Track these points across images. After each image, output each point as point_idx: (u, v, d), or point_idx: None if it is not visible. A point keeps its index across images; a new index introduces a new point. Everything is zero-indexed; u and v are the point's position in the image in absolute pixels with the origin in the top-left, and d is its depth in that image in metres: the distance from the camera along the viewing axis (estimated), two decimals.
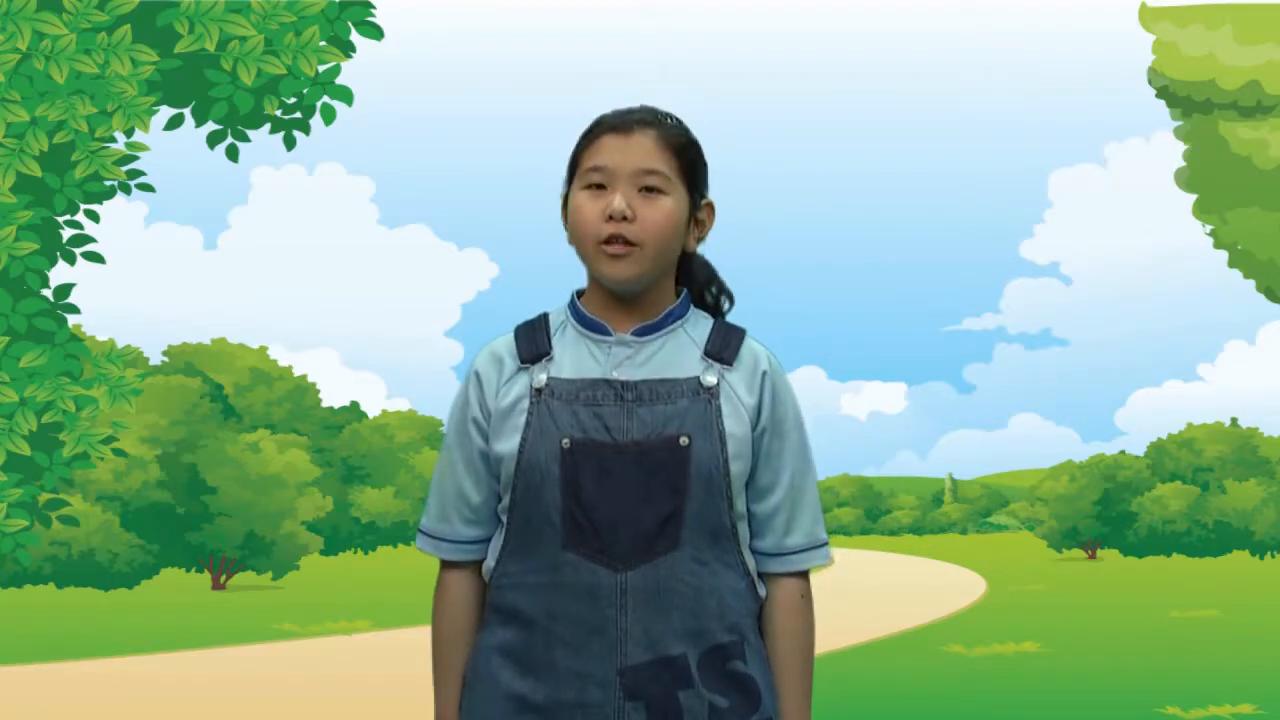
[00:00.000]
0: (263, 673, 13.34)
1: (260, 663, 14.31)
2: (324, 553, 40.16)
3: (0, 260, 10.48)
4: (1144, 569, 39.42)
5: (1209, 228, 17.21)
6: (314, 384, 44.11)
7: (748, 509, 2.38)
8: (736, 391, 2.36)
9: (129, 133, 10.51)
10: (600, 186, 2.33)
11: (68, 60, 10.18)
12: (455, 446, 2.42)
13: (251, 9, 10.34)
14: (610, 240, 2.31)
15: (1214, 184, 17.06)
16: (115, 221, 12.16)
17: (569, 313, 2.42)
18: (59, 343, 10.75)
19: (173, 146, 10.98)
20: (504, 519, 2.37)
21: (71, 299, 10.91)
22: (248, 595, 27.29)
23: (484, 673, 2.36)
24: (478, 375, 2.40)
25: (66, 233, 10.81)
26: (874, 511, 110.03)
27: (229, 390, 37.22)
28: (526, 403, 2.34)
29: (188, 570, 31.76)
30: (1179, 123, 17.27)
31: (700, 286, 2.48)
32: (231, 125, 10.66)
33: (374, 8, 10.56)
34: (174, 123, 10.64)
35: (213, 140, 10.72)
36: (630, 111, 2.38)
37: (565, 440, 2.30)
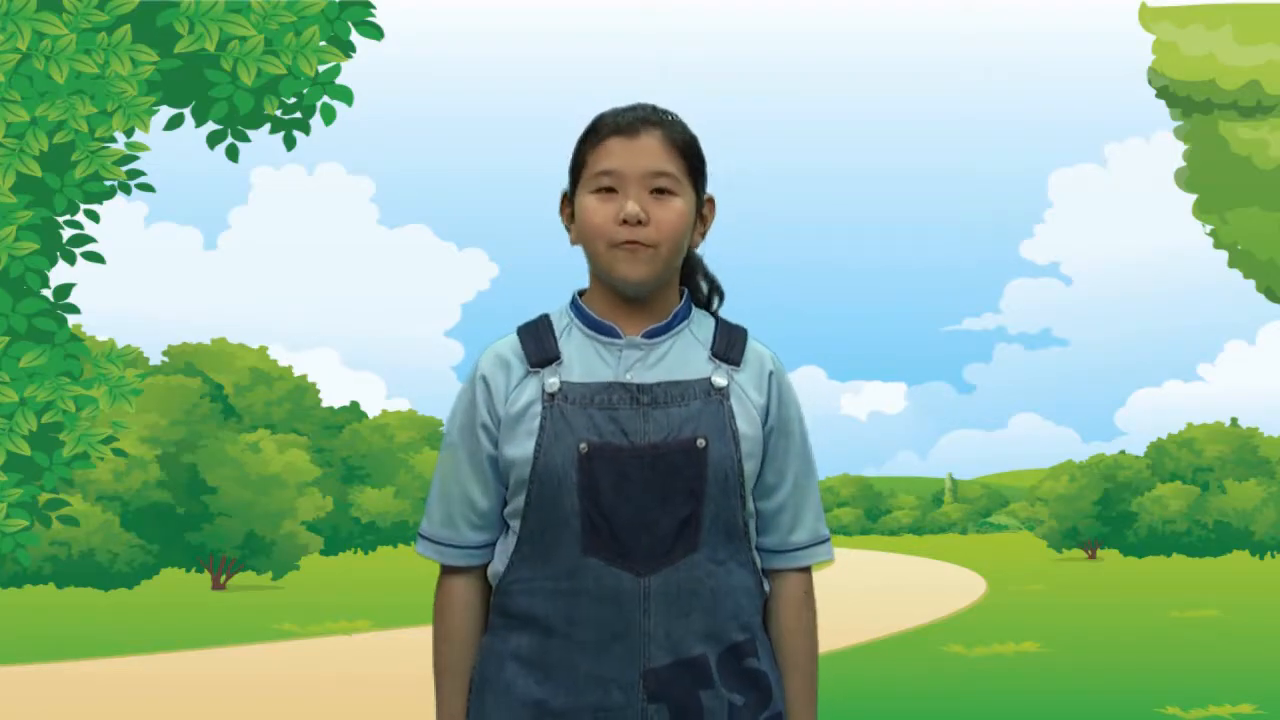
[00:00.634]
0: (263, 673, 13.34)
1: (260, 663, 14.30)
2: (324, 553, 40.18)
3: (0, 260, 10.48)
4: (1144, 569, 39.42)
5: (1209, 228, 17.21)
6: (314, 384, 44.11)
7: (755, 506, 2.39)
8: (746, 392, 2.37)
9: (129, 133, 10.51)
10: (610, 190, 2.32)
11: (68, 60, 10.18)
12: (462, 450, 2.39)
13: (251, 9, 10.33)
14: (625, 244, 2.30)
15: (1214, 184, 17.05)
16: (115, 221, 12.18)
17: (573, 314, 2.40)
18: (59, 343, 10.75)
19: (173, 146, 10.99)
20: (513, 523, 2.35)
21: (71, 299, 10.91)
22: (248, 595, 27.28)
23: (497, 679, 2.34)
24: (485, 380, 2.37)
25: (66, 233, 10.81)
26: (874, 511, 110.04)
27: (229, 390, 37.22)
28: (539, 407, 2.32)
29: (188, 570, 31.76)
30: (1179, 123, 17.26)
31: (696, 283, 2.49)
32: (231, 125, 10.66)
33: (374, 8, 10.56)
34: (174, 123, 10.64)
35: (213, 140, 10.72)
36: (632, 111, 2.36)
37: (582, 445, 2.28)
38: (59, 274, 11.50)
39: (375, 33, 10.58)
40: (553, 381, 2.33)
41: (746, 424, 2.34)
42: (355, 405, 47.68)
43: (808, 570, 2.44)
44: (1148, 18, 17.19)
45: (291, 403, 42.60)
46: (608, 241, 2.31)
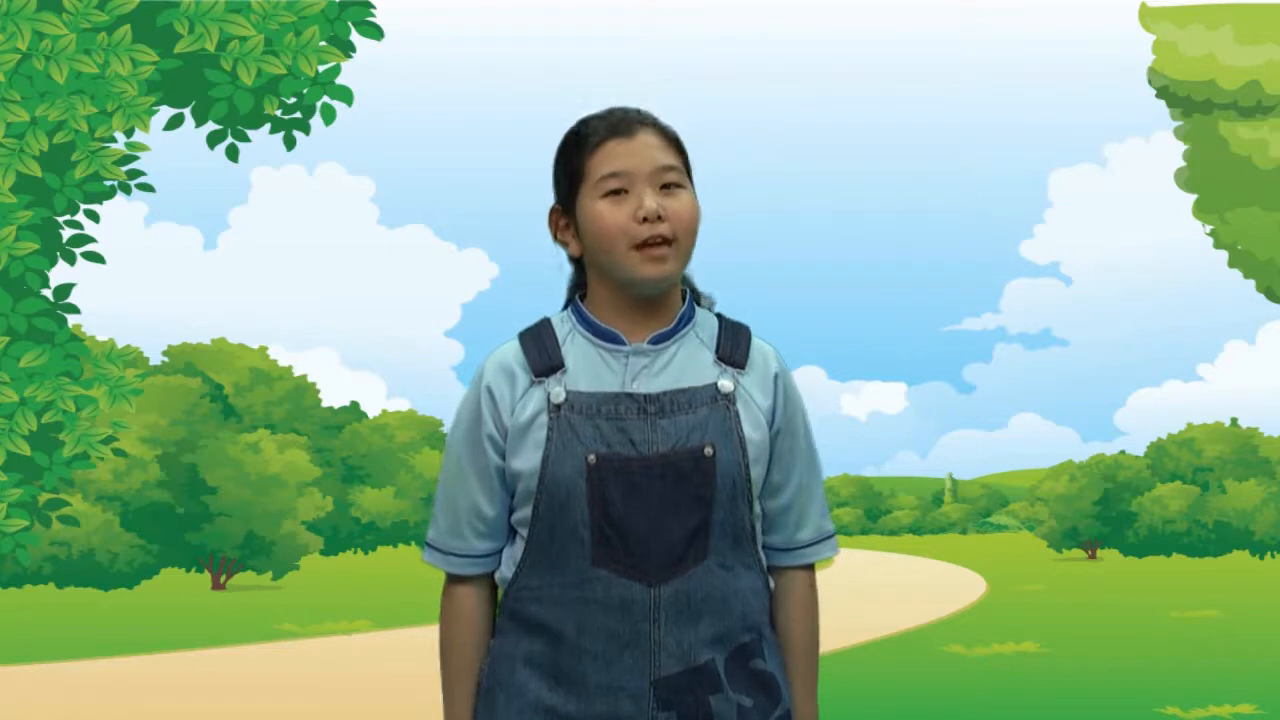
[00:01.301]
0: (263, 673, 13.34)
1: (260, 663, 14.30)
2: (324, 553, 40.18)
3: (0, 260, 10.48)
4: (1144, 569, 39.42)
5: (1209, 228, 17.21)
6: (314, 384, 44.06)
7: (761, 506, 2.39)
8: (752, 395, 2.35)
9: (129, 133, 10.52)
10: (620, 191, 2.30)
11: (68, 60, 10.18)
12: (467, 461, 2.37)
13: (251, 9, 10.34)
14: (648, 243, 2.28)
15: (1214, 184, 17.05)
16: (115, 221, 12.18)
17: (575, 320, 2.38)
18: (59, 343, 10.75)
19: (173, 146, 10.99)
20: (521, 531, 2.34)
21: (71, 299, 10.91)
22: (248, 595, 27.28)
23: (509, 681, 2.34)
24: (490, 391, 2.35)
25: (66, 233, 10.81)
26: (874, 511, 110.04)
27: (229, 390, 37.23)
28: (545, 418, 2.30)
29: (188, 570, 31.77)
30: (1179, 123, 17.26)
31: (684, 281, 2.46)
32: (231, 125, 10.67)
33: (374, 8, 10.56)
34: (174, 123, 10.64)
35: (213, 140, 10.73)
36: (619, 114, 2.35)
37: (591, 456, 2.27)
38: (59, 274, 11.51)
39: (375, 33, 10.58)
40: (558, 391, 2.31)
41: (753, 429, 2.33)
42: (355, 405, 47.66)
43: (811, 567, 2.44)
44: (1148, 18, 17.19)
45: (291, 403, 42.57)
46: (629, 243, 2.29)
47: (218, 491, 30.22)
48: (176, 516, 30.22)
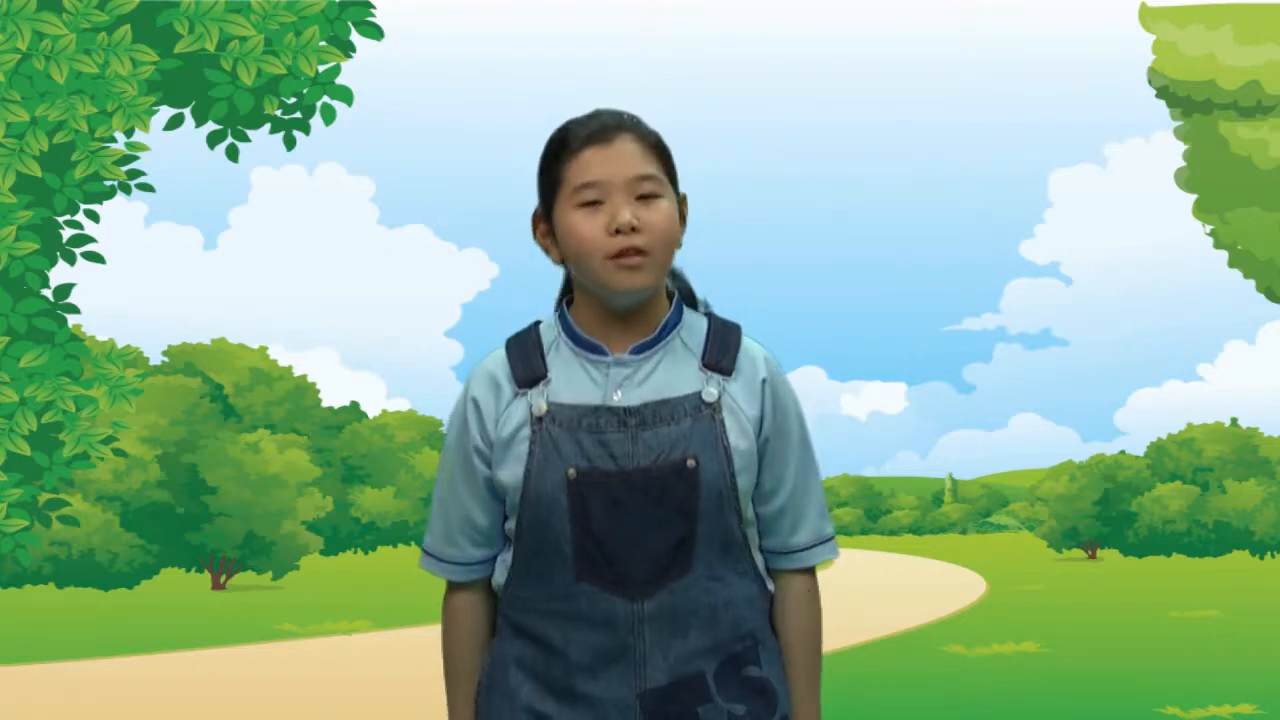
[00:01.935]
0: (263, 673, 13.34)
1: (260, 663, 14.30)
2: (324, 553, 40.17)
3: (0, 260, 10.48)
4: (1144, 569, 39.42)
5: (1209, 228, 17.21)
6: (314, 384, 44.08)
7: (754, 511, 2.36)
8: (738, 403, 2.32)
9: (129, 133, 10.52)
10: (595, 202, 2.27)
11: (68, 60, 10.18)
12: (458, 470, 2.37)
13: (251, 9, 10.34)
14: (622, 254, 2.25)
15: (1214, 184, 17.05)
16: (115, 221, 12.17)
17: (560, 328, 2.36)
18: (59, 343, 10.75)
19: (173, 146, 10.98)
20: (511, 539, 2.34)
21: (71, 299, 10.91)
22: (248, 595, 27.28)
23: (504, 684, 2.34)
24: (475, 402, 2.34)
25: (66, 233, 10.81)
26: (874, 511, 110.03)
27: (229, 390, 37.23)
28: (527, 430, 2.29)
29: (188, 570, 31.77)
30: (1179, 123, 17.26)
31: (679, 283, 2.43)
32: (231, 125, 10.67)
33: (374, 8, 10.56)
34: (174, 123, 10.64)
35: (213, 140, 10.73)
36: (598, 119, 2.31)
37: (571, 470, 2.25)
38: (59, 274, 11.50)
39: (375, 33, 10.58)
40: (540, 403, 2.29)
41: (739, 437, 2.30)
42: (355, 405, 47.67)
43: (811, 570, 2.41)
44: (1148, 18, 17.19)
45: (291, 403, 42.58)
46: (603, 255, 2.25)
47: (218, 491, 30.22)
48: (176, 516, 30.22)
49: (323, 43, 10.47)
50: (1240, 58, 16.76)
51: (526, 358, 2.33)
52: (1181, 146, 17.27)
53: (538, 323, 2.39)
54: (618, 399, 2.29)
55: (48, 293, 10.80)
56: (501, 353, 2.36)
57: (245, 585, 31.07)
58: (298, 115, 10.66)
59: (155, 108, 10.48)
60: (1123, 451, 50.66)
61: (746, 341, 2.37)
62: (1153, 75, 17.09)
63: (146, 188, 10.76)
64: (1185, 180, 17.26)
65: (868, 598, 24.60)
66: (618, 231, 2.25)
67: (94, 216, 10.82)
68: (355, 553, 47.54)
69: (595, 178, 2.26)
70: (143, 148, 10.61)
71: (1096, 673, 12.73)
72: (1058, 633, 16.86)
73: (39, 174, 10.38)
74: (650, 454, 2.26)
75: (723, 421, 2.29)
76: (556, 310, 2.39)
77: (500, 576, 2.37)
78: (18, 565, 13.99)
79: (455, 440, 2.37)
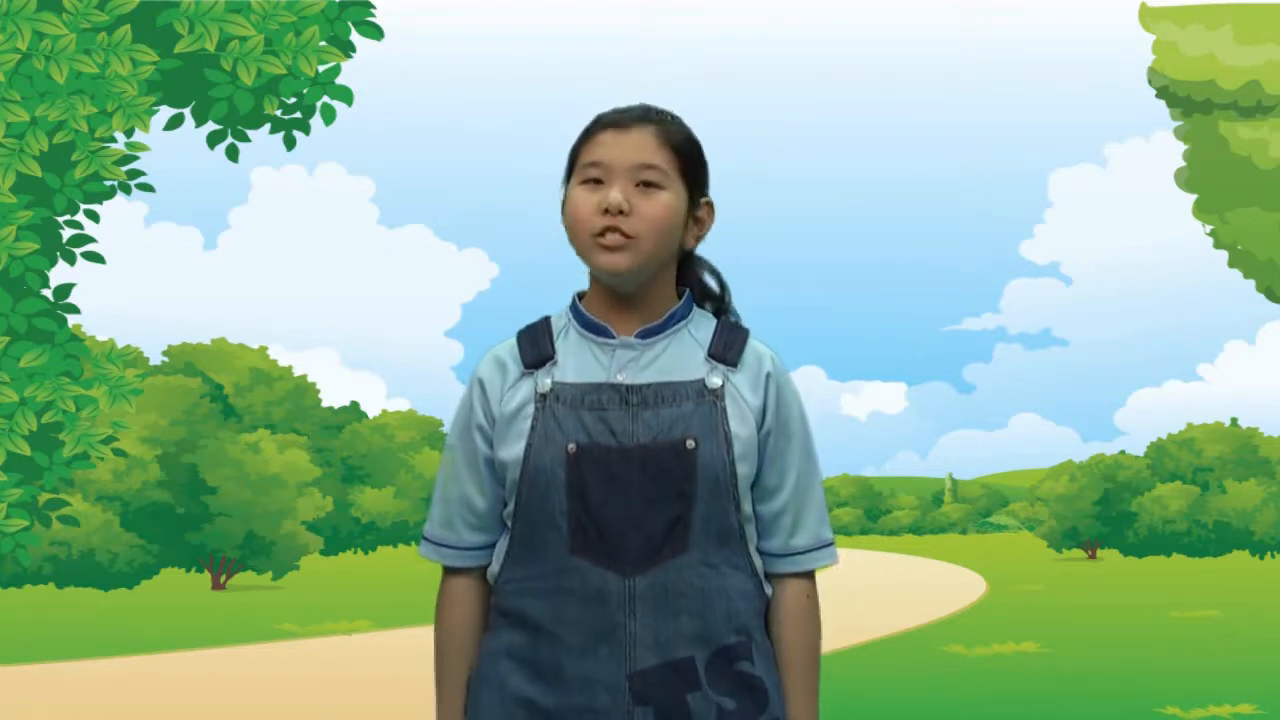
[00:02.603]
0: (263, 673, 13.34)
1: (260, 663, 14.31)
2: (324, 553, 40.16)
3: (0, 260, 10.48)
4: (1144, 569, 39.41)
5: (1209, 228, 17.20)
6: (314, 384, 44.05)
7: (754, 510, 2.37)
8: (741, 393, 2.35)
9: (129, 133, 10.51)
10: (597, 181, 2.32)
11: (68, 60, 10.18)
12: (459, 453, 2.40)
13: (251, 9, 10.33)
14: (605, 232, 2.30)
15: (1214, 184, 17.04)
16: (115, 221, 12.17)
17: (570, 315, 2.41)
18: (59, 343, 10.75)
19: (173, 146, 10.98)
20: (509, 524, 2.36)
21: (71, 299, 10.90)
22: (248, 595, 27.28)
23: (491, 676, 2.36)
24: (481, 382, 2.39)
25: (66, 233, 10.80)
26: (874, 511, 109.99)
27: (229, 390, 37.22)
28: (531, 408, 2.32)
29: (188, 570, 31.76)
30: (1179, 123, 17.25)
31: (701, 286, 2.47)
32: (231, 125, 10.66)
33: (374, 8, 10.55)
34: (174, 123, 10.64)
35: (213, 140, 10.72)
36: (629, 109, 2.37)
37: (571, 445, 2.28)
38: (59, 274, 11.48)
39: (375, 33, 10.58)
40: (545, 382, 2.33)
41: (740, 425, 2.32)
42: (355, 405, 47.65)
43: (810, 575, 2.42)
44: (1148, 18, 17.18)
45: (291, 403, 42.56)
46: (589, 231, 2.31)
47: (218, 491, 30.21)
48: (176, 516, 30.21)
49: (323, 43, 10.46)
50: (1240, 58, 16.75)
51: (535, 342, 2.38)
52: (1181, 146, 17.26)
53: (548, 315, 2.44)
54: (621, 379, 2.33)
55: (48, 293, 10.79)
56: (512, 340, 2.42)
57: (245, 585, 31.07)
58: (298, 115, 10.66)
59: (155, 108, 10.48)
60: (1123, 451, 50.67)
61: (754, 341, 2.41)
62: (1153, 75, 17.08)
63: (146, 188, 10.76)
64: (1185, 180, 17.25)
65: (868, 598, 24.60)
66: (606, 211, 2.29)
67: (94, 216, 10.81)
68: (355, 553, 47.52)
69: (600, 158, 2.32)
70: (143, 148, 10.60)
71: (1096, 673, 12.73)
72: (1058, 633, 16.85)
73: (39, 174, 10.38)
74: (650, 432, 2.29)
75: (724, 408, 2.32)
76: (571, 302, 2.43)
77: (495, 564, 2.38)
78: (18, 565, 13.99)
79: (459, 421, 2.41)
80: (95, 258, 10.90)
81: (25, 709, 10.91)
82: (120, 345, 11.19)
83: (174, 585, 30.35)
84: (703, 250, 2.48)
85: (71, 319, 10.92)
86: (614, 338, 2.36)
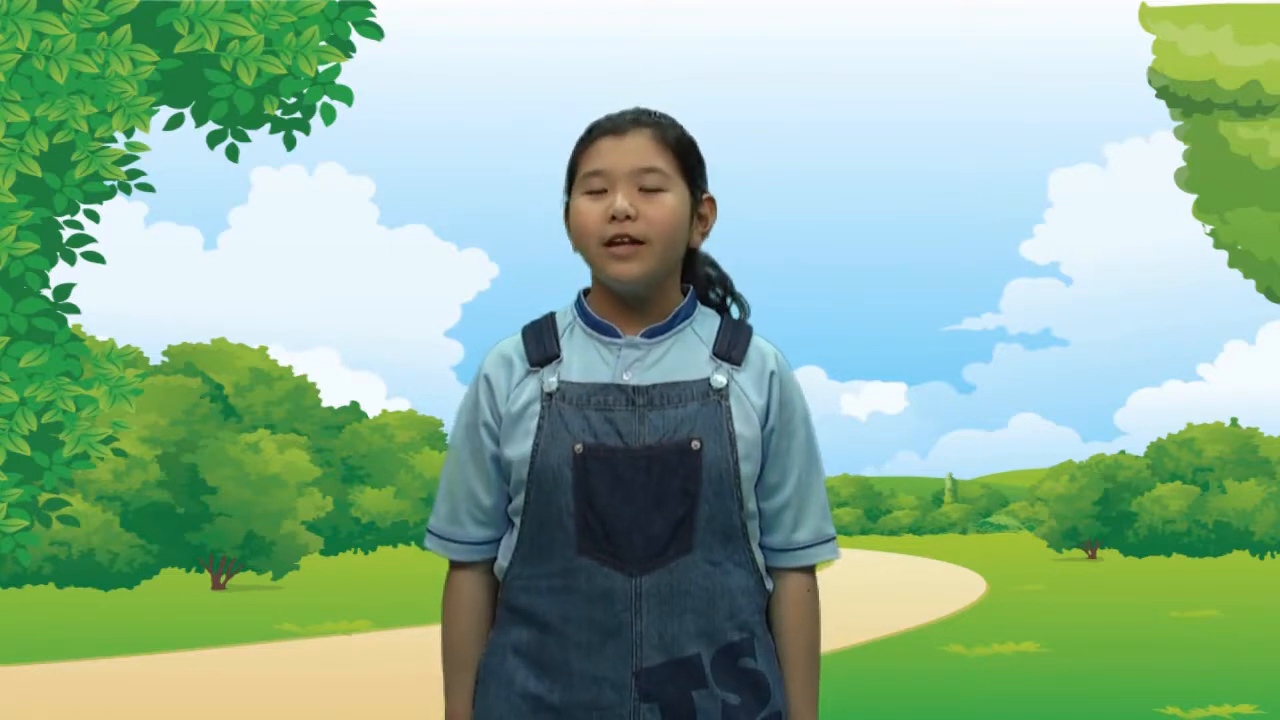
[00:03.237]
0: (263, 673, 13.34)
1: (260, 663, 14.31)
2: (324, 553, 40.17)
3: (0, 260, 10.48)
4: (1144, 569, 39.42)
5: (1209, 228, 17.20)
6: (314, 384, 44.05)
7: (757, 506, 2.39)
8: (745, 392, 2.36)
9: (129, 133, 10.51)
10: (600, 190, 2.34)
11: (68, 60, 10.18)
12: (465, 449, 2.42)
13: (251, 9, 10.33)
14: (615, 241, 2.31)
15: (1214, 184, 17.04)
16: (115, 221, 12.17)
17: (576, 313, 2.42)
18: (59, 343, 10.75)
19: (173, 146, 10.98)
20: (515, 521, 2.37)
21: (71, 299, 10.90)
22: (248, 595, 27.28)
23: (499, 671, 2.37)
24: (487, 379, 2.40)
25: (66, 233, 10.80)
26: (874, 511, 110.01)
27: (229, 390, 37.22)
28: (537, 407, 2.34)
29: (188, 570, 31.76)
30: (1179, 123, 17.25)
31: (705, 283, 2.49)
32: (231, 125, 10.66)
33: (374, 8, 10.56)
34: (174, 123, 10.64)
35: (213, 140, 10.72)
36: (622, 114, 2.38)
37: (578, 445, 2.30)
38: (59, 274, 11.49)
39: (375, 33, 10.58)
40: (551, 381, 2.35)
41: (744, 425, 2.34)
42: (355, 405, 47.65)
43: (811, 570, 2.44)
44: (1148, 18, 17.18)
45: (291, 403, 42.56)
46: (599, 240, 2.32)
47: (218, 491, 30.21)
48: (176, 516, 30.21)
49: (323, 43, 10.46)
50: (1240, 58, 16.75)
51: (541, 339, 2.40)
52: (1181, 146, 17.26)
53: (552, 312, 2.45)
54: (627, 379, 2.34)
55: (48, 293, 10.79)
56: (517, 336, 2.43)
57: (245, 585, 31.06)
58: (298, 115, 10.66)
59: (155, 108, 10.48)
60: (1123, 451, 50.67)
61: (757, 339, 2.43)
62: (1153, 75, 17.08)
63: (146, 188, 10.76)
64: (1185, 180, 17.25)
65: (868, 598, 24.60)
66: (613, 218, 2.31)
67: (94, 216, 10.81)
68: (355, 553, 47.53)
69: (601, 166, 2.34)
70: (143, 148, 10.61)
71: (1096, 673, 12.73)
72: (1058, 633, 16.85)
73: (39, 174, 10.38)
74: (655, 433, 2.30)
75: (729, 408, 2.33)
76: (576, 299, 2.44)
77: (503, 559, 2.39)
78: (18, 565, 14.00)
79: (465, 418, 2.42)
80: (95, 258, 10.90)
81: (25, 709, 10.91)
82: (120, 345, 11.20)
83: (174, 585, 30.35)
84: (703, 249, 2.49)
85: (71, 319, 10.93)
86: (620, 337, 2.37)
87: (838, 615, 18.03)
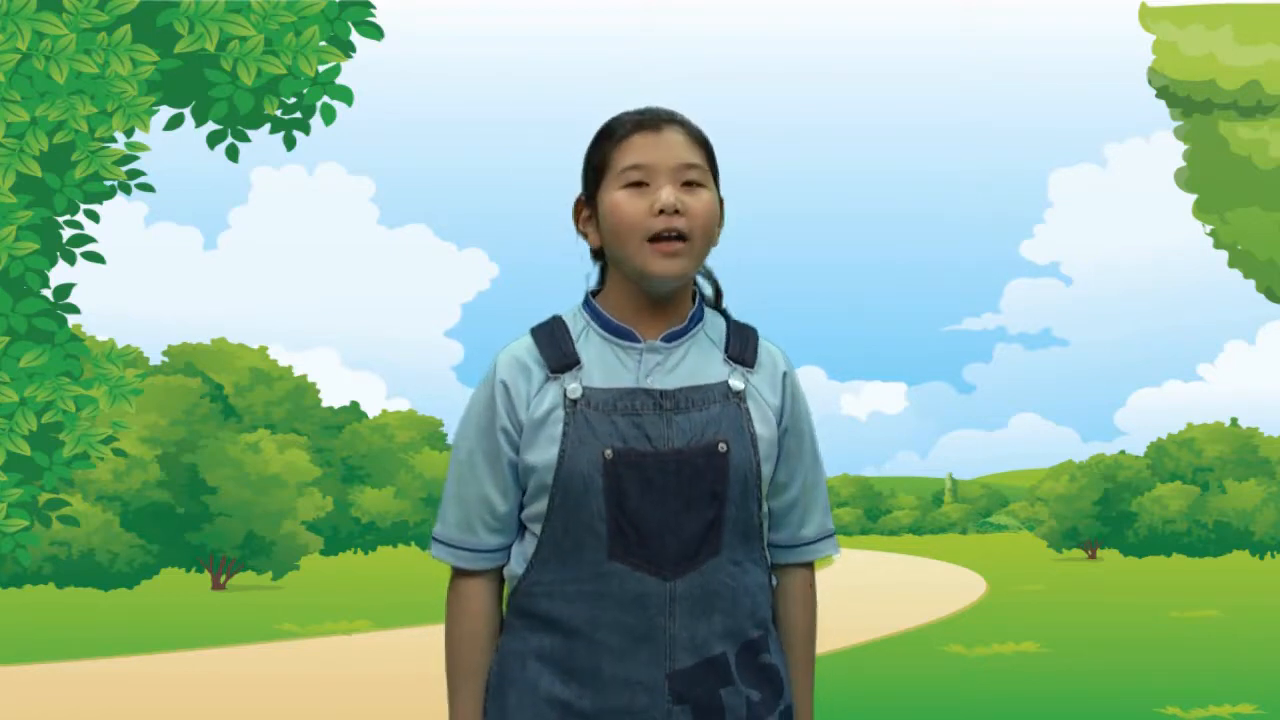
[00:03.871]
0: (263, 673, 13.34)
1: (260, 663, 14.30)
2: (324, 553, 40.18)
3: (0, 260, 10.48)
4: (1144, 569, 39.42)
5: (1209, 228, 17.20)
6: (314, 384, 44.06)
7: (767, 505, 2.42)
8: (761, 393, 2.38)
9: (129, 133, 10.51)
10: (640, 184, 2.30)
11: (68, 60, 10.18)
12: (480, 454, 2.37)
13: (251, 9, 10.33)
14: (661, 236, 2.29)
15: (1214, 184, 17.04)
16: (115, 221, 12.18)
17: (588, 317, 2.39)
18: (59, 343, 10.75)
19: (173, 146, 10.98)
20: (533, 527, 2.34)
21: (71, 299, 10.90)
22: (248, 595, 27.28)
23: (519, 678, 2.34)
24: (505, 385, 2.34)
25: (66, 233, 10.81)
26: (874, 511, 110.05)
27: (229, 390, 37.23)
28: (561, 413, 2.30)
29: (188, 570, 31.76)
30: (1179, 123, 17.25)
31: (706, 280, 2.49)
32: (231, 125, 10.66)
33: (374, 8, 10.56)
34: (174, 123, 10.64)
35: (213, 140, 10.72)
36: (651, 111, 2.36)
37: (608, 451, 2.28)
38: (59, 274, 11.50)
39: (375, 33, 10.58)
40: (574, 387, 2.31)
41: (763, 426, 2.35)
42: (355, 405, 47.66)
43: (812, 564, 2.48)
44: (1148, 18, 17.18)
45: (291, 403, 42.57)
46: (643, 234, 2.29)
47: (218, 491, 30.21)
48: (176, 516, 30.21)
49: (323, 43, 10.46)
50: (1240, 58, 16.75)
51: (556, 344, 2.36)
52: (1181, 146, 17.26)
53: (559, 315, 2.42)
54: (651, 383, 2.33)
55: (48, 293, 10.79)
56: (528, 339, 2.38)
57: (245, 585, 31.06)
58: (298, 115, 10.66)
59: (155, 108, 10.48)
60: (1123, 451, 50.67)
61: (764, 340, 2.44)
62: (1153, 75, 17.08)
63: (146, 188, 10.76)
64: (1185, 180, 17.25)
65: (868, 598, 24.60)
66: (660, 212, 2.28)
67: (94, 216, 10.81)
68: (355, 553, 47.54)
69: (642, 160, 2.31)
70: (143, 148, 10.61)
71: (1096, 673, 12.73)
72: (1058, 633, 16.85)
73: (39, 174, 10.38)
74: (684, 437, 2.30)
75: (748, 410, 2.35)
76: (583, 302, 2.41)
77: (517, 566, 2.37)
78: (18, 565, 14.00)
79: (479, 423, 2.37)
80: (95, 258, 10.90)
81: (25, 709, 10.91)
82: (120, 345, 11.20)
83: (174, 585, 30.34)
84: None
85: (71, 319, 10.93)
86: (639, 341, 2.35)
87: (838, 615, 18.05)
